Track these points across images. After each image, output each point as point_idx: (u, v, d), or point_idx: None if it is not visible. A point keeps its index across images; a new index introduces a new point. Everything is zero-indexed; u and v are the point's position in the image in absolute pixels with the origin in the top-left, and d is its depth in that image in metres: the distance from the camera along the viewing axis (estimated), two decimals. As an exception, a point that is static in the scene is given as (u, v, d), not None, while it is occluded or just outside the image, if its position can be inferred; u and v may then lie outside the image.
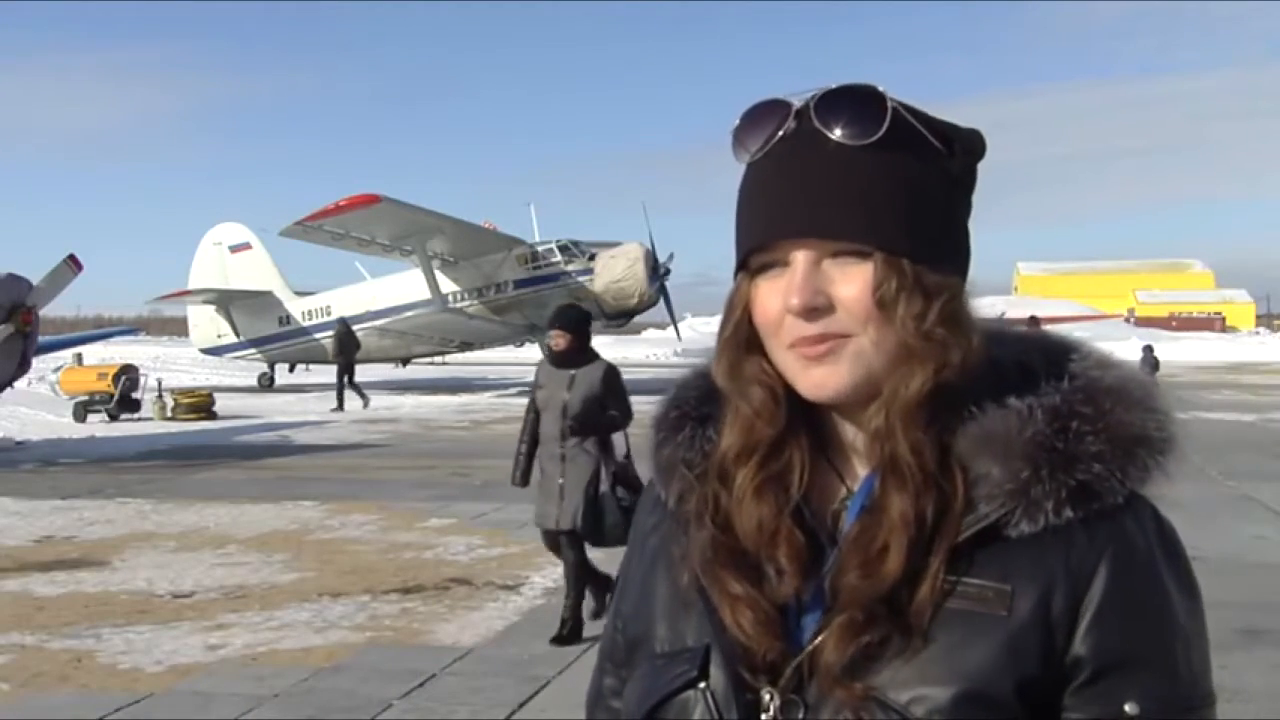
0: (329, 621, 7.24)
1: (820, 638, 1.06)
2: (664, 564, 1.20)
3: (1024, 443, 1.07)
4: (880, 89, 1.08)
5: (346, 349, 26.74)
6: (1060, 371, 1.12)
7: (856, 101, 1.08)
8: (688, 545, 1.16)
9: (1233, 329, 78.67)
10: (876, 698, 1.04)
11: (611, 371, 6.90)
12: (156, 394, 23.54)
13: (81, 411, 22.33)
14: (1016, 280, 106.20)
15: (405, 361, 33.43)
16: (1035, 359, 1.14)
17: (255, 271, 33.16)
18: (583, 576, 6.77)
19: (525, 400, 7.24)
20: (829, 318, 1.06)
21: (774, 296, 1.09)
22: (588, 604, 6.80)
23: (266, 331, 32.28)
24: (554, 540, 6.88)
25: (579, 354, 6.89)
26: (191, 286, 33.22)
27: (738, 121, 1.13)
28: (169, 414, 22.78)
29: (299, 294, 33.10)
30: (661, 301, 30.34)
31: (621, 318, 30.45)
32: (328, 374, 27.57)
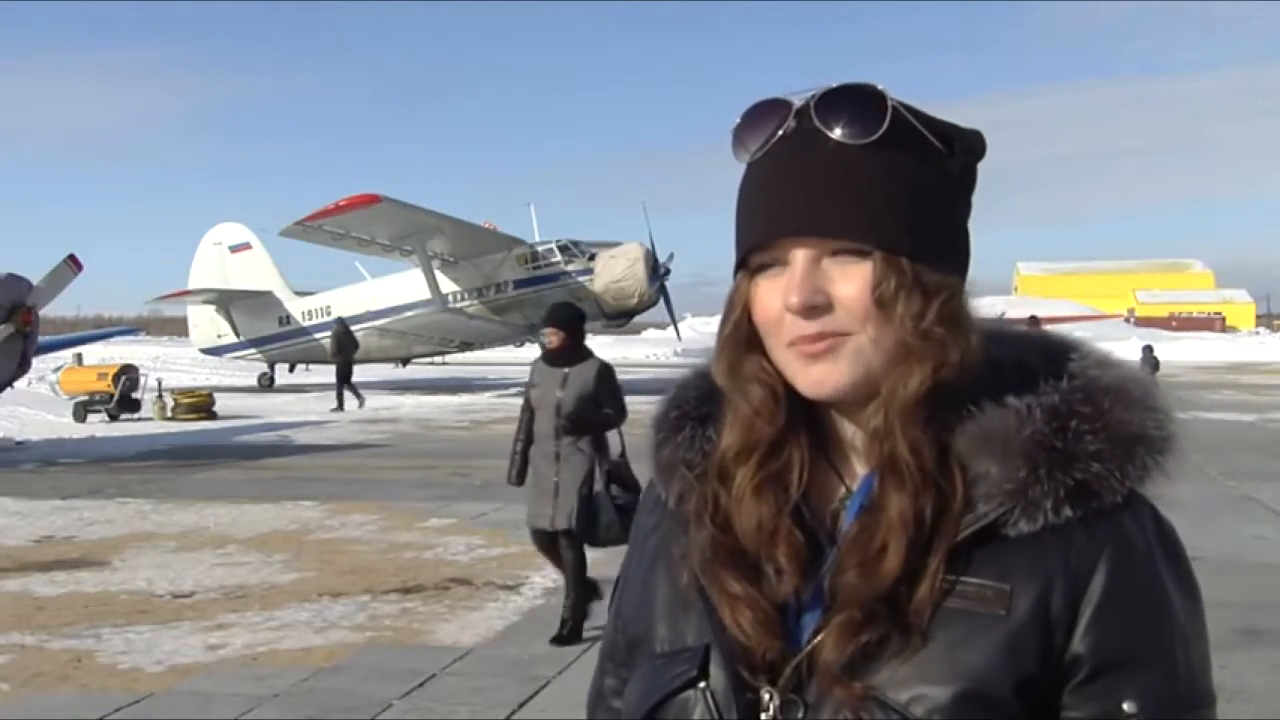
0: (329, 621, 7.25)
1: (819, 637, 1.06)
2: (664, 564, 1.20)
3: (1023, 442, 1.07)
4: (880, 88, 1.08)
5: (345, 349, 26.75)
6: (1059, 371, 1.12)
7: (857, 101, 1.08)
8: (687, 545, 1.16)
9: (1233, 329, 78.65)
10: (876, 697, 1.04)
11: (605, 369, 6.88)
12: (156, 394, 23.55)
13: (81, 411, 22.33)
14: (1016, 280, 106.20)
15: (405, 361, 33.43)
16: (1034, 358, 1.14)
17: (255, 271, 33.16)
18: (583, 577, 6.75)
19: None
20: (828, 316, 1.06)
21: (774, 295, 1.09)
22: (549, 605, 6.75)
23: (266, 331, 32.27)
24: (545, 540, 6.85)
25: (573, 352, 6.88)
26: (191, 286, 33.21)
27: (738, 121, 1.13)
28: (169, 414, 22.79)
29: (299, 294, 33.09)
30: (661, 301, 30.32)
31: (621, 318, 30.45)
32: (328, 374, 27.56)
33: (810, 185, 1.08)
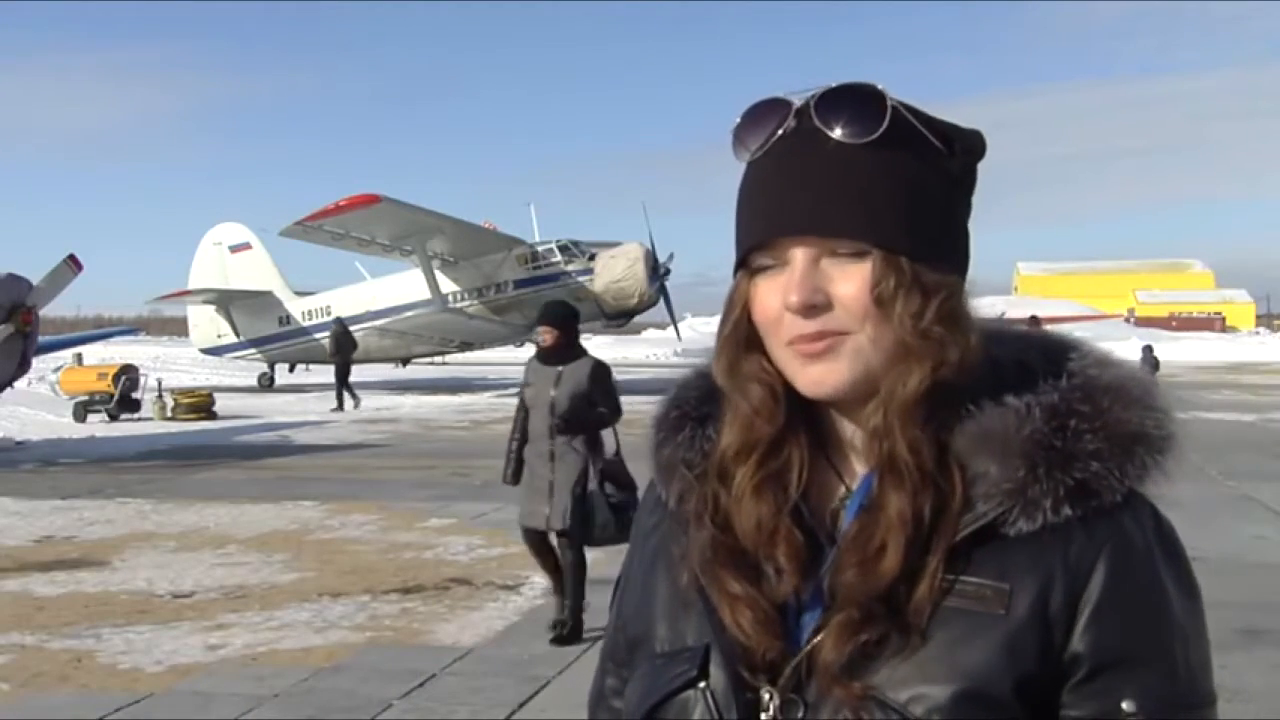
0: (329, 621, 7.25)
1: (819, 637, 1.06)
2: (664, 564, 1.20)
3: (1022, 441, 1.07)
4: (880, 88, 1.08)
5: (343, 349, 26.77)
6: (1059, 370, 1.12)
7: (856, 100, 1.08)
8: (688, 545, 1.16)
9: (1233, 329, 78.64)
10: (875, 696, 1.04)
11: (599, 367, 6.86)
12: (156, 394, 23.55)
13: (81, 411, 22.33)
14: (1016, 280, 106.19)
15: (405, 361, 33.43)
16: (1034, 358, 1.14)
17: (255, 271, 33.16)
18: (582, 577, 6.74)
19: (524, 400, 7.21)
20: (827, 315, 1.07)
21: (773, 294, 1.09)
22: (549, 605, 6.72)
23: (266, 331, 32.28)
24: (537, 539, 6.82)
25: (567, 350, 6.85)
26: (191, 286, 33.21)
27: (738, 120, 1.13)
28: (169, 414, 22.78)
29: (299, 294, 33.09)
30: (661, 301, 30.32)
31: (621, 318, 30.45)
32: (328, 374, 27.56)
33: (810, 184, 1.08)
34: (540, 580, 8.04)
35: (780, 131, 1.10)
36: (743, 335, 1.13)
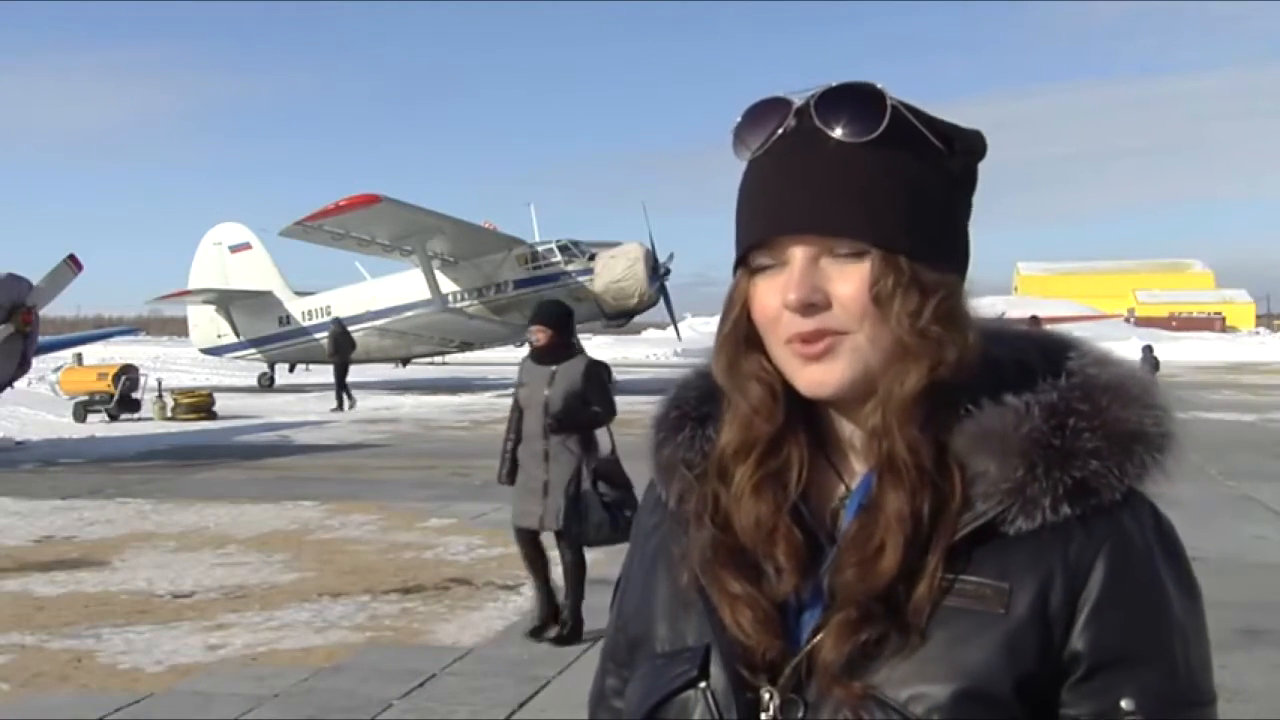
0: (329, 621, 7.25)
1: (819, 636, 1.06)
2: (664, 564, 1.20)
3: (1021, 440, 1.07)
4: (880, 87, 1.09)
5: (342, 349, 26.80)
6: (1058, 369, 1.12)
7: (856, 99, 1.08)
8: (688, 545, 1.16)
9: (1233, 329, 78.64)
10: (875, 696, 1.04)
11: (593, 366, 6.83)
12: (156, 394, 23.55)
13: (81, 411, 22.33)
14: (1016, 280, 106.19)
15: (405, 361, 33.44)
16: (1033, 357, 1.14)
17: (255, 271, 33.17)
18: (581, 576, 6.73)
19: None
20: (825, 314, 1.07)
21: (773, 293, 1.09)
22: (531, 611, 6.68)
23: (266, 331, 32.28)
24: (529, 539, 6.77)
25: (561, 349, 6.81)
26: (191, 286, 33.22)
27: (739, 119, 1.13)
28: (169, 414, 22.79)
29: (299, 294, 33.10)
30: (661, 301, 30.33)
31: (621, 318, 30.45)
32: (328, 374, 27.57)
33: (810, 183, 1.08)
34: (540, 580, 8.04)
35: (780, 130, 1.10)
36: (742, 334, 1.13)
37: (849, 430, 1.13)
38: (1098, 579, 1.05)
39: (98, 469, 15.25)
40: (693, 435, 1.21)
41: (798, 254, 1.08)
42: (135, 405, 22.88)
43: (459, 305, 29.78)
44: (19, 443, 18.63)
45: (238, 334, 32.68)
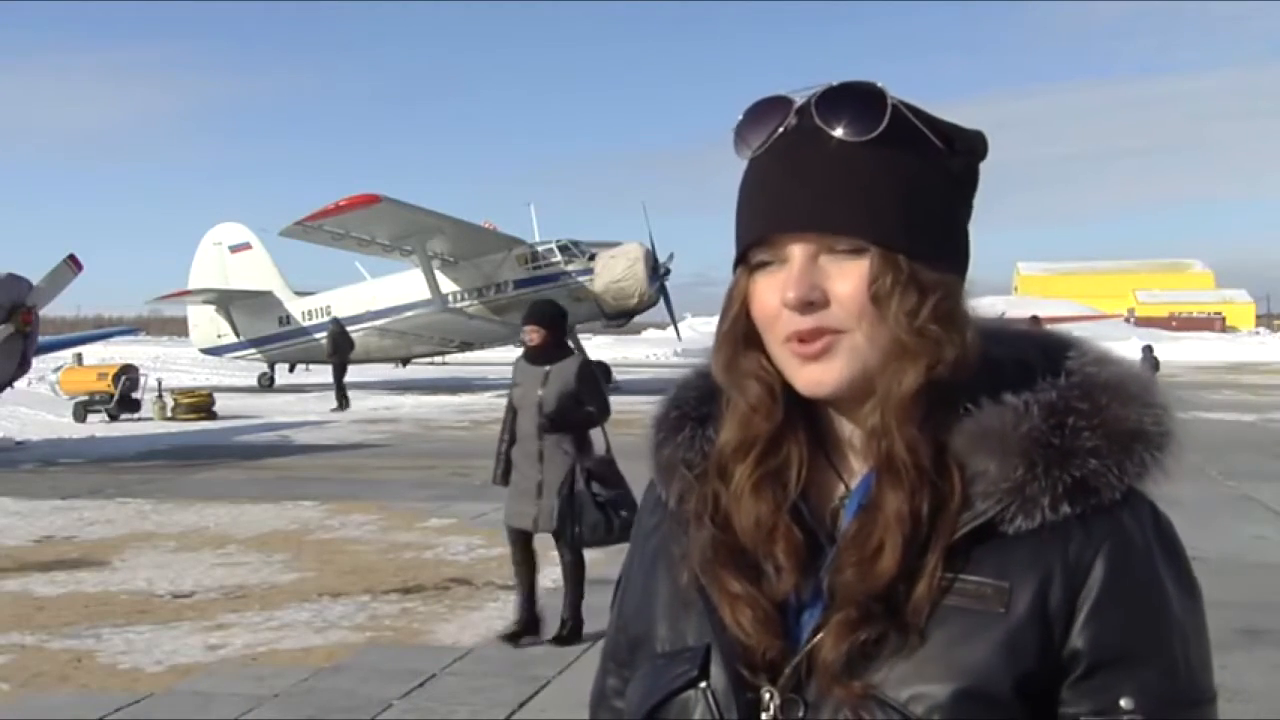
0: (329, 621, 7.25)
1: (818, 636, 1.06)
2: (665, 564, 1.20)
3: (1020, 439, 1.07)
4: (881, 86, 1.09)
5: (341, 349, 26.81)
6: (1057, 368, 1.12)
7: (857, 98, 1.09)
8: (688, 545, 1.16)
9: (1233, 329, 78.64)
10: (875, 696, 1.04)
11: (586, 366, 6.82)
12: (156, 394, 23.55)
13: (81, 411, 22.34)
14: (1016, 280, 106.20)
15: (405, 361, 33.45)
16: (1032, 356, 1.14)
17: (255, 271, 33.18)
18: (580, 576, 6.73)
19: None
20: (824, 312, 1.07)
21: (772, 291, 1.09)
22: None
23: (266, 331, 32.30)
24: (521, 540, 6.73)
25: (554, 349, 6.79)
26: (191, 286, 33.24)
27: (740, 117, 1.13)
28: (169, 414, 22.79)
29: (299, 294, 33.12)
30: (661, 301, 30.33)
31: (621, 318, 30.46)
32: (328, 374, 27.58)
33: (810, 182, 1.08)
34: (540, 580, 8.03)
35: (781, 129, 1.10)
36: (741, 332, 1.13)
37: (848, 430, 1.13)
38: (1097, 577, 1.05)
39: (98, 469, 15.25)
40: (693, 435, 1.21)
41: (797, 252, 1.08)
42: (135, 405, 22.89)
43: (459, 305, 29.78)
44: (19, 443, 18.64)
45: (238, 334, 32.69)
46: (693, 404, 1.23)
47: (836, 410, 1.13)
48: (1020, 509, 1.06)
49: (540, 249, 29.72)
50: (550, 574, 7.64)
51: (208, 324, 33.46)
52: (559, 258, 29.35)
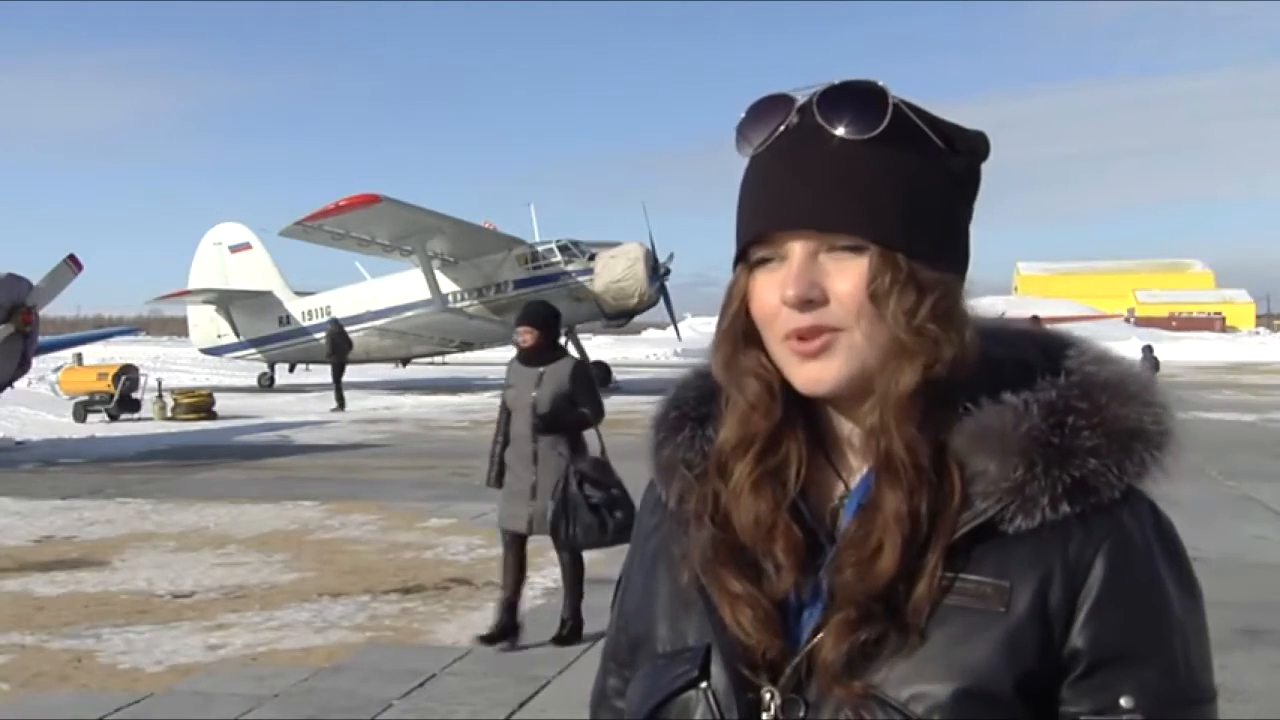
0: (329, 621, 7.25)
1: (819, 636, 1.06)
2: (665, 564, 1.20)
3: (1019, 438, 1.07)
4: (882, 85, 1.09)
5: (339, 349, 26.81)
6: (1057, 367, 1.12)
7: (858, 97, 1.09)
8: (688, 545, 1.16)
9: (1233, 329, 78.64)
10: (876, 695, 1.04)
11: (580, 367, 6.80)
12: (156, 394, 23.56)
13: (81, 411, 22.34)
14: (1016, 280, 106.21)
15: (405, 361, 33.46)
16: (1032, 355, 1.14)
17: (255, 271, 33.19)
18: (579, 576, 6.72)
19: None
20: (823, 310, 1.07)
21: (771, 288, 1.09)
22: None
23: (266, 331, 32.31)
24: (515, 542, 6.70)
25: (548, 351, 6.77)
26: (191, 286, 33.26)
27: (742, 115, 1.14)
28: (169, 414, 22.80)
29: (299, 294, 33.13)
30: (661, 301, 30.34)
31: (621, 318, 30.47)
32: (327, 374, 27.57)
33: (810, 180, 1.08)
34: (540, 580, 8.04)
35: (783, 127, 1.10)
36: (740, 329, 1.13)
37: (848, 429, 1.13)
38: (1097, 577, 1.05)
39: (98, 469, 15.25)
40: (692, 435, 1.21)
41: (796, 249, 1.08)
42: (135, 405, 22.89)
43: (459, 305, 29.80)
44: (19, 443, 18.64)
45: (238, 334, 32.71)
46: (692, 404, 1.23)
47: (835, 409, 1.13)
48: (1020, 508, 1.05)
49: (540, 249, 29.73)
50: (551, 573, 7.65)
51: (208, 324, 33.47)
52: (559, 258, 29.36)
